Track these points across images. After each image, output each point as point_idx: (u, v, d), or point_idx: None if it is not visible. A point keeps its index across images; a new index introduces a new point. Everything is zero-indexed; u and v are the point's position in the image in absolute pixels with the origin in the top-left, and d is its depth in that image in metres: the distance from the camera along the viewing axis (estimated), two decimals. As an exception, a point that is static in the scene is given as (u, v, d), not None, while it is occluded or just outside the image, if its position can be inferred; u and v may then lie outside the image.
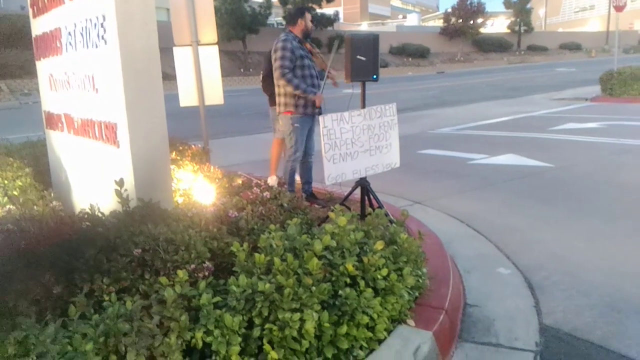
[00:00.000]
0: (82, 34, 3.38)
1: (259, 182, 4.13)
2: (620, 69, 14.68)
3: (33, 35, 4.48)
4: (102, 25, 3.04)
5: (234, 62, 36.38)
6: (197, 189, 4.11)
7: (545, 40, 58.53)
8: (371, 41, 4.02)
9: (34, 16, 4.35)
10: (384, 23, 70.15)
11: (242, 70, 35.86)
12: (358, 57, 3.95)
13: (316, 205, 4.69)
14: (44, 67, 4.38)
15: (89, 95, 3.42)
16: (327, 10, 41.96)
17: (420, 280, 2.80)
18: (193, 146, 4.78)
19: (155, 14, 3.06)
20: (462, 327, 2.82)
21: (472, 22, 50.55)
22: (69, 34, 3.62)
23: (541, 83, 22.24)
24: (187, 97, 5.23)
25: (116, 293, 2.21)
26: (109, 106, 3.14)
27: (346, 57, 4.11)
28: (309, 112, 4.70)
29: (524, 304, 3.04)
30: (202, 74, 5.16)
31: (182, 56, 5.14)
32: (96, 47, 3.18)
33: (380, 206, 4.04)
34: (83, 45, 3.38)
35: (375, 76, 4.00)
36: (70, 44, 3.63)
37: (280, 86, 4.64)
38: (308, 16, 4.74)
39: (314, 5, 39.95)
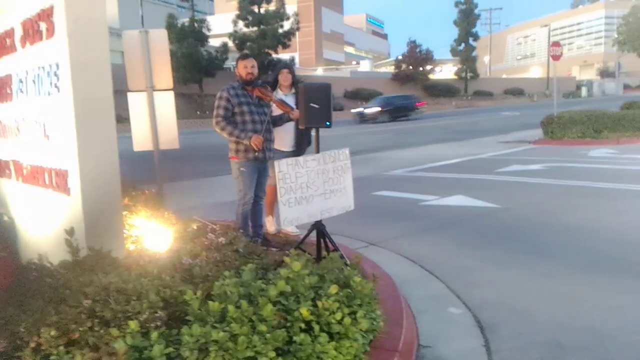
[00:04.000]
0: (34, 81, 3.36)
1: (214, 227, 4.12)
2: (560, 114, 15.60)
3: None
4: (55, 73, 3.05)
5: (190, 104, 36.45)
6: (150, 235, 4.05)
7: (491, 86, 61.68)
8: (324, 89, 4.18)
9: (-17, 62, 4.29)
10: (339, 68, 72.25)
11: (198, 112, 35.90)
12: (311, 104, 4.09)
13: (272, 249, 4.69)
14: (-8, 113, 4.29)
15: (40, 142, 3.37)
16: (284, 55, 42.94)
17: (375, 323, 2.84)
18: (147, 191, 4.73)
19: (110, 62, 3.10)
20: (416, 368, 2.87)
21: (421, 68, 52.84)
22: (20, 80, 3.60)
23: (488, 127, 23.27)
24: (142, 142, 5.21)
25: (65, 346, 2.14)
26: (60, 153, 3.11)
27: (300, 104, 4.25)
28: (250, 157, 4.69)
29: (474, 343, 3.13)
30: (156, 119, 5.17)
31: (136, 101, 5.15)
32: (49, 94, 3.17)
33: (336, 249, 4.10)
34: (35, 92, 3.36)
35: (328, 123, 4.14)
36: (22, 90, 3.60)
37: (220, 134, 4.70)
38: (240, 64, 4.77)
39: (270, 51, 40.84)
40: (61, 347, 2.12)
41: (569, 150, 13.09)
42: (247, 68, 4.66)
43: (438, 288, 4.07)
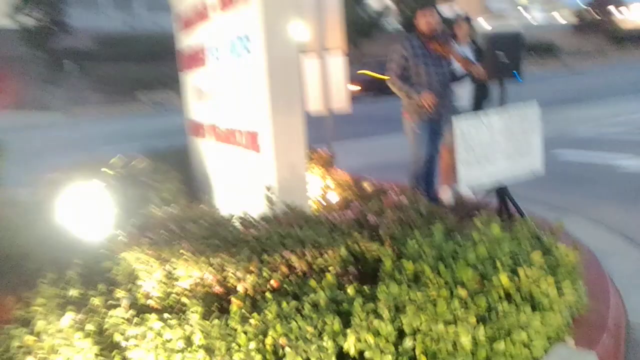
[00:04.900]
0: (228, 47, 3.57)
1: (391, 186, 4.07)
2: None
3: (178, 48, 4.82)
4: (248, 39, 3.19)
5: (349, 66, 36.95)
6: (328, 193, 4.16)
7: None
8: (514, 38, 3.79)
9: (179, 30, 4.69)
10: (504, 17, 66.57)
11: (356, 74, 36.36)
12: (497, 52, 3.71)
13: (449, 212, 4.49)
14: (188, 78, 4.72)
15: (234, 105, 3.61)
16: (443, 7, 40.95)
17: (579, 297, 2.55)
18: (320, 150, 4.86)
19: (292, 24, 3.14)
20: (627, 348, 2.53)
21: (607, 15, 46.21)
22: (215, 47, 3.86)
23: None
24: (315, 103, 5.36)
25: (269, 292, 2.28)
26: (254, 115, 3.28)
27: (484, 56, 3.93)
28: (424, 115, 4.39)
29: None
30: (328, 81, 5.29)
31: (310, 65, 5.28)
32: (242, 59, 3.34)
33: (522, 214, 3.78)
34: (229, 57, 3.58)
35: (518, 76, 3.74)
36: (216, 56, 3.86)
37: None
38: (420, 15, 4.40)
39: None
40: (267, 293, 2.25)
41: None
42: (426, 20, 4.33)
43: (646, 263, 3.54)
